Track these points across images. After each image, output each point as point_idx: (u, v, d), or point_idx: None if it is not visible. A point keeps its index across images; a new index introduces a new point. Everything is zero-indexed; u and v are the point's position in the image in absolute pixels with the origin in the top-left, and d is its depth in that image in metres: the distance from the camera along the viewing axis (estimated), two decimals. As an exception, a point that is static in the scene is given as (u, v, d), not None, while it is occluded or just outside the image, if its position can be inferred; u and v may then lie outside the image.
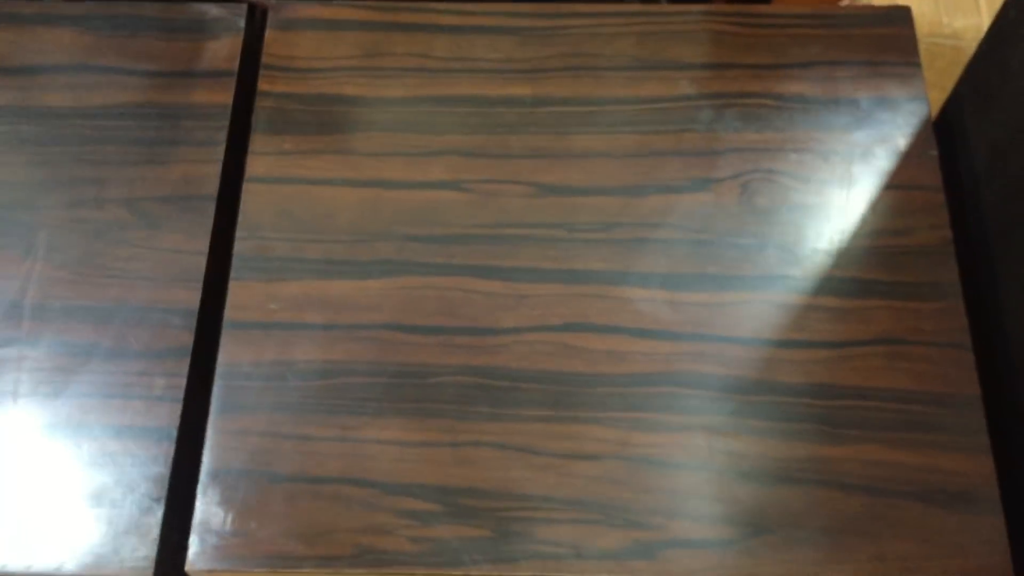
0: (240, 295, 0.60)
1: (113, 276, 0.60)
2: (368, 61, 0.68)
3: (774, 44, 0.69)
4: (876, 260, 0.61)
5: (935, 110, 0.72)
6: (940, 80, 0.75)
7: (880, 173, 0.64)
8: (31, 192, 0.62)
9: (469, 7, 0.70)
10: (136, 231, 0.61)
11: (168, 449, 0.55)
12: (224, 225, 0.63)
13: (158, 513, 0.54)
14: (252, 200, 0.63)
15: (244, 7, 0.69)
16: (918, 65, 0.68)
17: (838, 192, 0.64)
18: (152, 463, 0.55)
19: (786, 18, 0.69)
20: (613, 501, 0.55)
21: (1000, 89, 0.64)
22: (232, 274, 0.60)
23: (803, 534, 0.54)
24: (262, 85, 0.66)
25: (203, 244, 0.61)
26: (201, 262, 0.60)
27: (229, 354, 0.58)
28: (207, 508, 0.54)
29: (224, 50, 0.67)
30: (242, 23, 0.69)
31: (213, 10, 0.69)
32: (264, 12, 0.69)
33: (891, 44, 0.68)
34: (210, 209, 0.62)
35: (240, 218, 0.62)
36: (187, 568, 0.53)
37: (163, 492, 0.54)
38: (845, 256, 0.61)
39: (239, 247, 0.61)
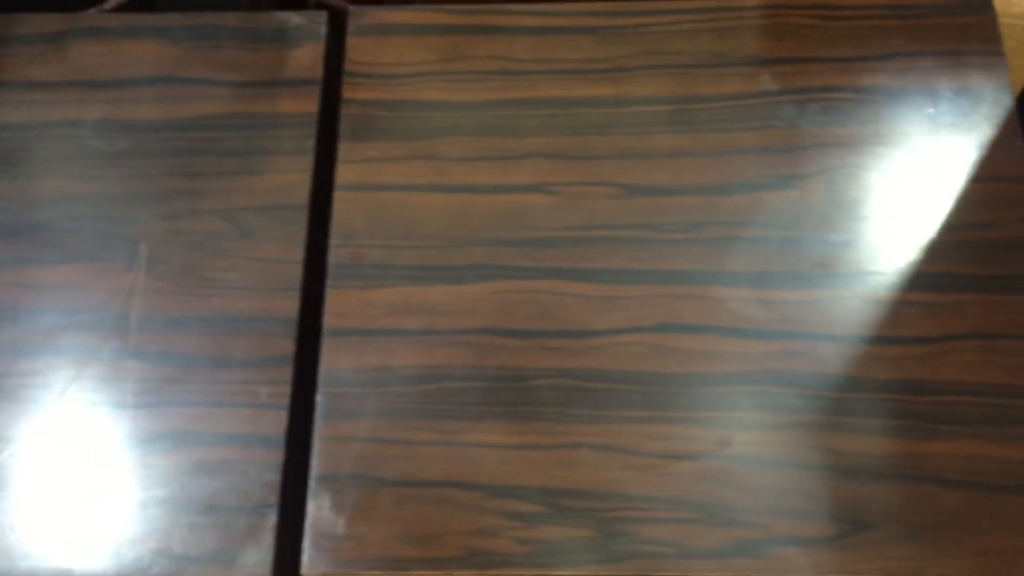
0: (338, 303, 0.61)
1: (213, 286, 0.62)
2: (449, 65, 0.68)
3: (855, 36, 0.68)
4: (967, 254, 0.61)
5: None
6: (1011, 61, 0.74)
7: (966, 165, 0.64)
8: (129, 205, 0.64)
9: (548, 7, 0.70)
10: (232, 241, 0.63)
11: (278, 456, 0.57)
12: (317, 233, 0.64)
13: (272, 519, 0.55)
14: (343, 208, 0.64)
15: (324, 14, 0.70)
16: (1001, 54, 0.67)
17: (925, 186, 0.64)
18: (264, 470, 0.57)
19: (866, 10, 0.69)
20: (714, 500, 0.56)
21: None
22: (329, 282, 0.61)
23: (903, 530, 0.55)
24: (346, 92, 0.67)
25: (298, 253, 0.62)
26: (297, 271, 0.62)
27: (330, 361, 0.59)
28: (319, 513, 0.56)
29: (307, 58, 0.68)
30: (323, 30, 0.69)
31: (294, 18, 0.70)
32: (344, 18, 0.70)
33: (973, 33, 0.68)
34: (303, 218, 0.63)
35: (333, 226, 0.63)
36: (304, 572, 0.54)
37: (276, 498, 0.56)
38: (935, 250, 0.62)
39: (334, 255, 0.62)
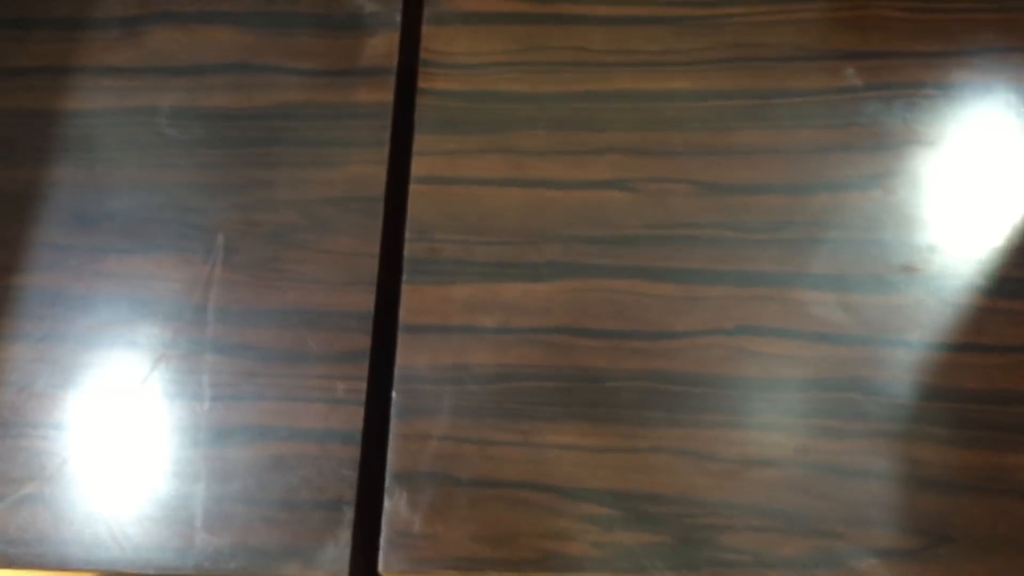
0: (413, 298, 0.61)
1: (289, 279, 0.61)
2: (525, 56, 0.67)
3: (944, 30, 0.66)
4: (1057, 260, 0.60)
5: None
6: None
7: (1058, 167, 0.62)
8: (205, 195, 0.64)
9: (624, -5, 0.69)
10: (308, 234, 0.63)
11: (354, 452, 0.57)
12: (392, 226, 0.63)
13: (349, 515, 0.56)
14: (419, 202, 0.63)
15: (399, 1, 0.69)
16: (1097, 50, 0.65)
17: (1014, 188, 0.62)
18: (339, 466, 0.57)
19: (957, 1, 0.67)
20: (793, 508, 0.55)
21: None
22: (404, 277, 0.61)
23: (986, 543, 0.54)
24: (422, 82, 0.66)
25: (374, 246, 0.62)
26: (373, 265, 0.61)
27: (406, 357, 0.59)
28: (395, 512, 0.56)
29: (382, 46, 0.67)
30: (398, 18, 0.68)
31: (369, 4, 0.69)
32: (419, 4, 0.69)
33: (1068, 28, 0.66)
34: (379, 211, 0.63)
35: (408, 220, 0.63)
36: (381, 570, 0.54)
37: (353, 495, 0.56)
38: (1024, 256, 0.60)
39: (409, 250, 0.62)
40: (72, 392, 0.59)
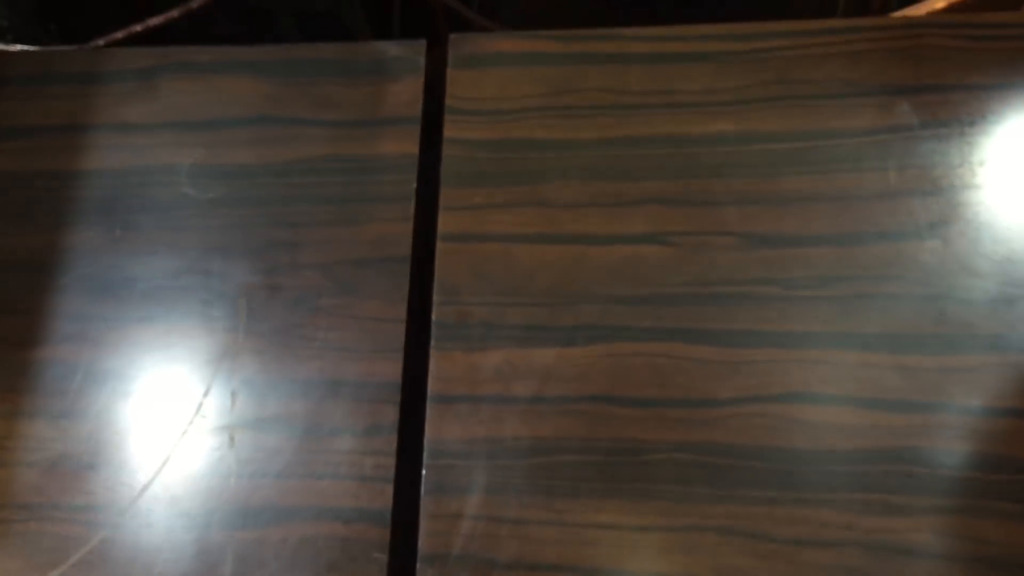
0: (442, 366, 0.58)
1: (314, 348, 0.59)
2: (558, 99, 0.64)
3: (1007, 60, 0.62)
4: None
5: None
6: None
7: None
8: (228, 258, 0.62)
9: (661, 31, 0.65)
10: (332, 298, 0.60)
11: (384, 534, 0.55)
12: (419, 287, 0.61)
13: (380, 603, 0.53)
14: (447, 261, 0.60)
15: (423, 44, 0.66)
16: None
17: (1086, 234, 0.57)
18: (369, 548, 0.55)
19: (1020, 28, 0.62)
20: (848, 593, 0.52)
21: None
22: (433, 343, 0.58)
23: (1058, 630, 0.50)
24: (448, 131, 0.63)
25: (401, 311, 0.59)
26: (400, 330, 0.59)
27: (435, 430, 0.57)
28: (428, 597, 0.54)
29: (406, 93, 0.65)
30: (422, 61, 0.65)
31: (392, 48, 0.66)
32: (445, 45, 0.66)
33: None
34: (405, 271, 0.60)
35: (436, 282, 0.60)
36: (413, 661, 0.52)
37: (383, 580, 0.54)
38: (1098, 311, 0.56)
39: (438, 313, 0.59)
40: (96, 472, 0.58)
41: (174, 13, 0.80)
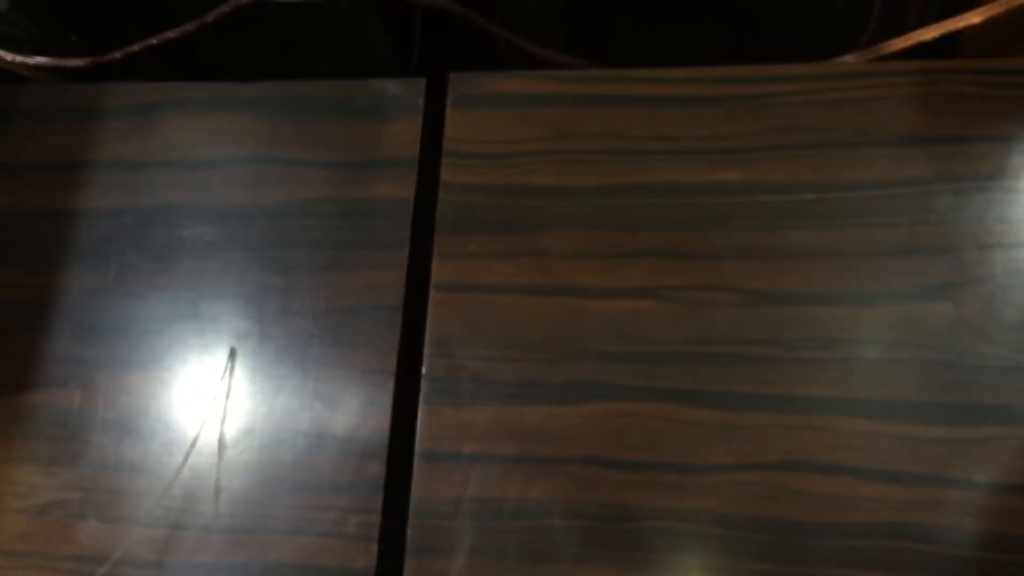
0: (431, 422, 0.57)
1: (302, 398, 0.58)
2: (559, 143, 0.62)
3: (1029, 110, 0.59)
4: None
5: None
6: None
7: None
8: (221, 303, 0.61)
9: (666, 73, 0.63)
10: (322, 348, 0.59)
11: (367, 596, 0.54)
12: (409, 338, 0.59)
13: (359, 668, 0.53)
14: (439, 312, 0.59)
15: (422, 83, 0.64)
16: None
17: (1108, 299, 0.54)
18: (351, 611, 0.54)
19: (1045, 76, 0.59)
20: (840, 676, 0.50)
21: None
22: (422, 398, 0.57)
23: None
24: (445, 175, 0.62)
25: (391, 363, 0.58)
26: (389, 385, 0.58)
27: (422, 489, 0.56)
28: (407, 664, 0.53)
29: (404, 134, 0.63)
30: (421, 101, 0.64)
31: (391, 87, 0.64)
32: (443, 86, 0.64)
33: None
34: (396, 322, 0.59)
35: (428, 333, 0.58)
36: None
37: (364, 645, 0.53)
38: (1117, 383, 0.53)
39: (428, 366, 0.58)
40: (86, 520, 0.57)
41: (189, 27, 0.78)
